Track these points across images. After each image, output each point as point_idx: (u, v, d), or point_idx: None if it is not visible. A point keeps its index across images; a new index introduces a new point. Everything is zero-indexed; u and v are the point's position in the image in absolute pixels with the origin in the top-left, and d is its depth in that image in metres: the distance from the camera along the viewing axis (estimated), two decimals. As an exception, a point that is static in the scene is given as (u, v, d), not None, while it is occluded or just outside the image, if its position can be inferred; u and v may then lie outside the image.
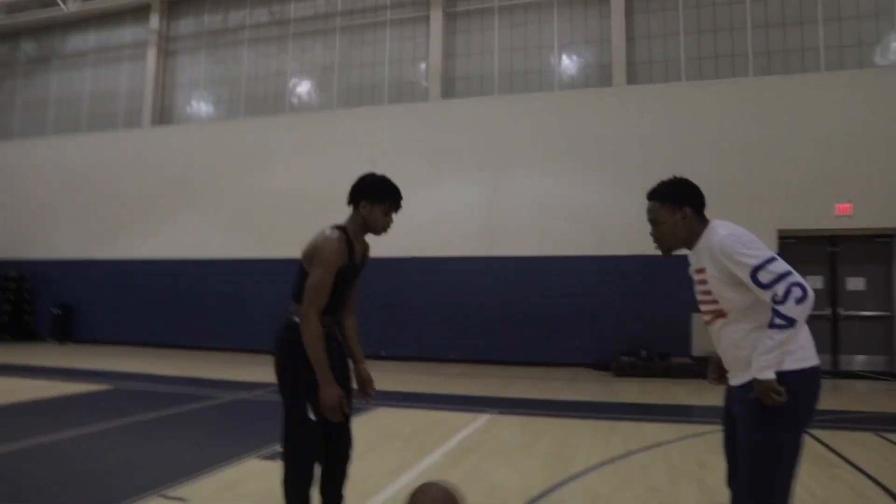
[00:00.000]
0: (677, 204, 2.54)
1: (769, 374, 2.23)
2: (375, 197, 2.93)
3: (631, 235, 11.40)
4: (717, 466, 4.74)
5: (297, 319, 2.88)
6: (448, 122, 12.65)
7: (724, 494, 4.04)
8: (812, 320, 8.99)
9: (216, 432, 5.94)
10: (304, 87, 14.06)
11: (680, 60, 12.06)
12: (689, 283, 9.39)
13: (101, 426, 5.79)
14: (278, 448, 4.96)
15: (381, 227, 2.97)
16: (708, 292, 2.46)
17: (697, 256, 2.52)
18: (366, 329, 11.89)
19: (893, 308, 10.68)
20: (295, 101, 14.11)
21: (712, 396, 8.08)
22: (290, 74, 14.12)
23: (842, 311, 10.87)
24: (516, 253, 11.91)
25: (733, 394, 2.50)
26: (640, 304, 11.22)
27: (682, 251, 2.68)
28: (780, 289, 2.21)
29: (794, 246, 11.04)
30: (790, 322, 2.19)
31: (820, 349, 9.14)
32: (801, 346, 2.31)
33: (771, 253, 2.29)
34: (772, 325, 2.22)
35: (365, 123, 13.09)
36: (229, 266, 13.45)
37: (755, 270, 2.24)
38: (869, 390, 9.06)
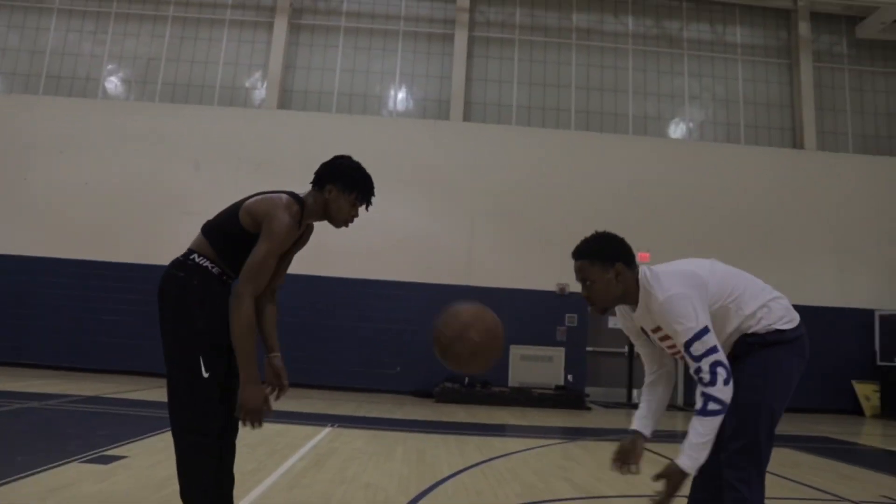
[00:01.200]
0: (608, 261, 2.36)
1: (691, 469, 2.09)
2: (347, 184, 2.53)
3: (455, 265, 11.77)
4: (576, 469, 4.93)
5: (197, 259, 2.45)
6: (281, 133, 12.11)
7: (595, 489, 4.20)
8: (611, 357, 9.82)
9: (13, 439, 4.78)
10: (122, 75, 12.65)
11: (512, 106, 12.87)
12: (511, 315, 9.64)
13: None
14: (105, 453, 4.23)
15: (343, 220, 2.56)
16: (674, 345, 2.32)
17: (649, 317, 2.35)
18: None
19: (676, 348, 12.12)
20: (109, 88, 12.62)
21: (538, 419, 8.44)
22: (107, 58, 12.61)
23: (636, 349, 12.07)
24: (340, 274, 11.59)
25: None
26: (462, 333, 11.45)
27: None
28: (705, 366, 2.11)
29: (601, 287, 12.12)
30: (722, 407, 2.08)
31: (617, 383, 10.03)
32: (782, 314, 2.29)
33: (697, 321, 2.17)
34: (704, 412, 2.08)
35: (190, 123, 12.06)
36: (4, 263, 11.39)
37: (689, 344, 2.16)
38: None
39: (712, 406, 2.07)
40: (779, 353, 2.24)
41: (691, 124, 13.08)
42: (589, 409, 10.45)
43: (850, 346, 11.80)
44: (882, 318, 11.70)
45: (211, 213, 8.80)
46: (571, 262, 8.39)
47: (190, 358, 2.33)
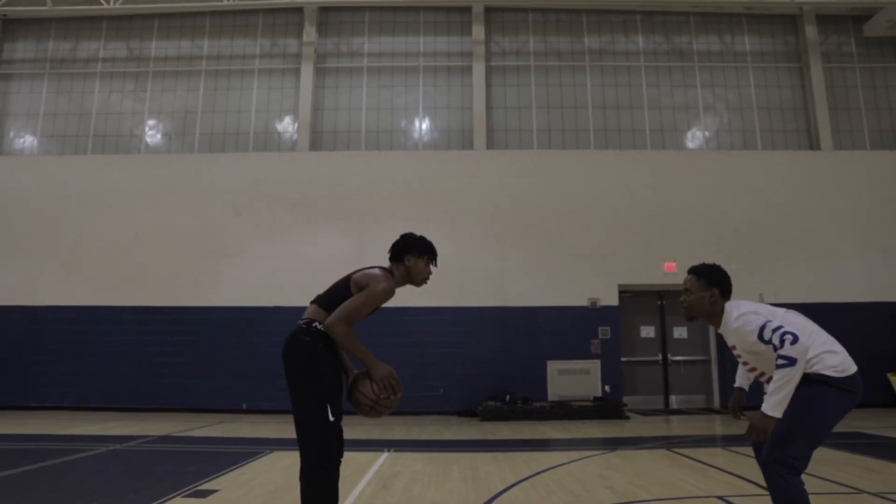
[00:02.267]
0: (710, 283, 3.15)
1: (776, 413, 2.78)
2: (420, 251, 3.30)
3: (488, 287, 12.25)
4: (616, 477, 5.35)
5: (318, 326, 3.01)
6: (314, 173, 12.79)
7: (634, 494, 4.63)
8: (646, 365, 10.47)
9: (115, 480, 5.35)
10: (162, 129, 13.48)
11: (532, 131, 13.40)
12: (547, 332, 10.42)
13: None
14: (199, 488, 4.79)
15: (423, 278, 3.29)
16: (746, 362, 3.16)
17: (726, 336, 3.15)
18: (231, 380, 11.49)
19: (709, 353, 12.44)
20: (151, 142, 13.46)
21: (579, 431, 8.85)
22: (147, 114, 13.48)
23: (670, 357, 12.42)
24: (385, 304, 12.10)
25: None
26: (499, 353, 11.92)
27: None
28: (776, 339, 2.80)
29: (631, 299, 12.50)
30: (791, 361, 2.75)
31: (654, 391, 10.65)
32: (838, 363, 2.90)
33: (764, 318, 2.91)
34: (778, 367, 2.79)
35: (229, 171, 12.81)
36: (66, 314, 12.19)
37: (760, 334, 2.87)
38: (690, 421, 10.37)
39: (781, 362, 2.77)
40: (824, 390, 2.85)
41: (707, 133, 13.44)
42: (628, 417, 10.79)
43: (883, 339, 11.98)
44: (912, 310, 11.86)
45: (251, 255, 9.72)
46: (601, 277, 9.46)
47: (321, 406, 2.93)
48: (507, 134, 13.40)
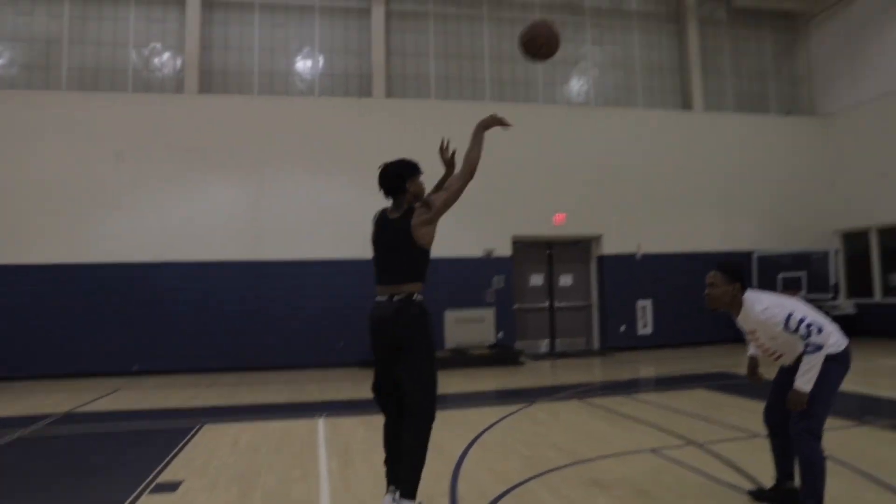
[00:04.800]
0: (734, 279, 3.59)
1: (808, 387, 3.36)
2: (412, 172, 3.71)
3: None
4: (552, 434, 5.81)
5: (418, 298, 3.50)
6: (205, 118, 12.02)
7: (578, 452, 5.11)
8: (535, 312, 11.48)
9: (53, 477, 4.99)
10: (19, 60, 11.92)
11: (430, 78, 13.37)
12: (444, 283, 10.87)
13: None
14: (158, 480, 4.63)
15: (424, 191, 3.73)
16: (762, 344, 3.66)
17: (746, 323, 3.63)
18: (117, 341, 10.80)
19: (590, 299, 13.52)
20: (5, 74, 11.87)
21: (485, 381, 9.42)
22: None
23: (556, 303, 13.35)
24: (282, 257, 11.88)
25: (791, 370, 3.61)
26: (400, 301, 12.17)
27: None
28: (803, 329, 3.37)
29: (523, 248, 13.19)
30: (818, 347, 3.34)
31: (540, 335, 11.78)
32: (836, 341, 3.48)
33: (786, 310, 3.45)
34: (808, 353, 3.37)
35: (106, 112, 11.70)
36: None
37: (785, 324, 3.42)
38: (578, 365, 11.39)
39: (811, 348, 3.35)
40: (828, 366, 3.42)
41: (594, 90, 14.13)
42: (522, 363, 11.58)
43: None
44: (759, 258, 13.56)
45: (138, 206, 9.29)
46: (495, 228, 10.49)
47: (433, 367, 3.59)
48: (405, 80, 13.29)
